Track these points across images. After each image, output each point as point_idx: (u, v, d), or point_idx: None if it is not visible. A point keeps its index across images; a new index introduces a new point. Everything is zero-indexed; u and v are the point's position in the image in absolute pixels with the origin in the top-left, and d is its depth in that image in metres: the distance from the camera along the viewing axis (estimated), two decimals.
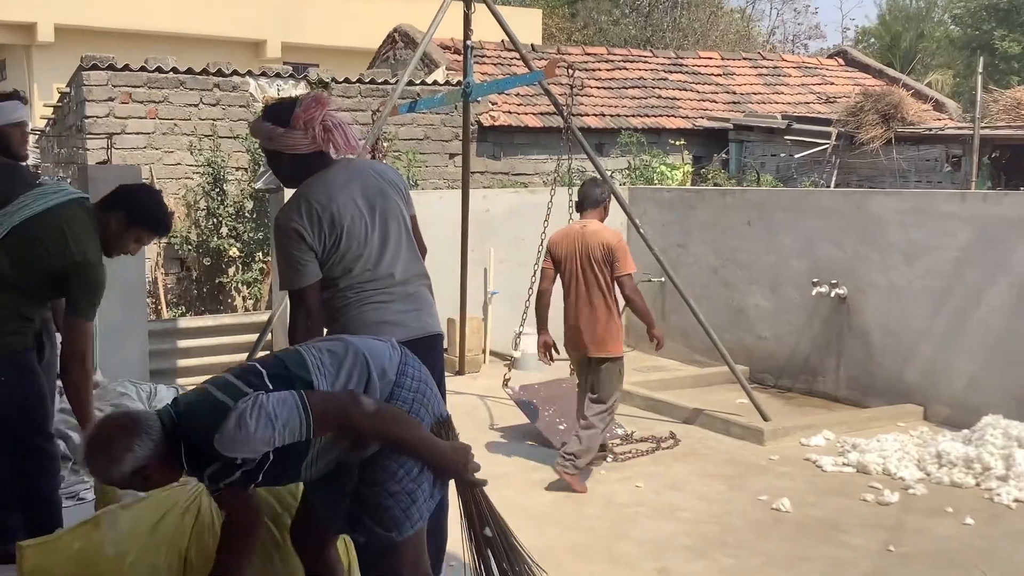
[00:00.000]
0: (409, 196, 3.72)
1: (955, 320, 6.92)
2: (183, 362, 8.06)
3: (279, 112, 3.47)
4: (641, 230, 7.25)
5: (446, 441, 2.98)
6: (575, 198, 6.01)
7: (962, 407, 6.74)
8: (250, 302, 10.14)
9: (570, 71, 7.02)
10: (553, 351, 5.86)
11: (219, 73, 10.79)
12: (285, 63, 14.92)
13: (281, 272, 3.54)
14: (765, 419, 6.77)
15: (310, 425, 2.74)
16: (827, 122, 12.59)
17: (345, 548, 3.57)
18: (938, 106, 15.69)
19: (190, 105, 10.62)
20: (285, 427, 2.71)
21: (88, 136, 10.14)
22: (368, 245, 3.48)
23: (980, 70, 11.93)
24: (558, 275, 5.80)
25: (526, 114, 12.66)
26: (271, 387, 2.78)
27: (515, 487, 5.60)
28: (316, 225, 3.40)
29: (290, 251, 3.42)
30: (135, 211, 3.96)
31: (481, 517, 3.06)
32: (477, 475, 3.02)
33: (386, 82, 11.68)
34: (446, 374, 3.94)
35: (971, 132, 10.97)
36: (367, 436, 2.84)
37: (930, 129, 12.06)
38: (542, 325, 5.88)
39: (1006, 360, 6.60)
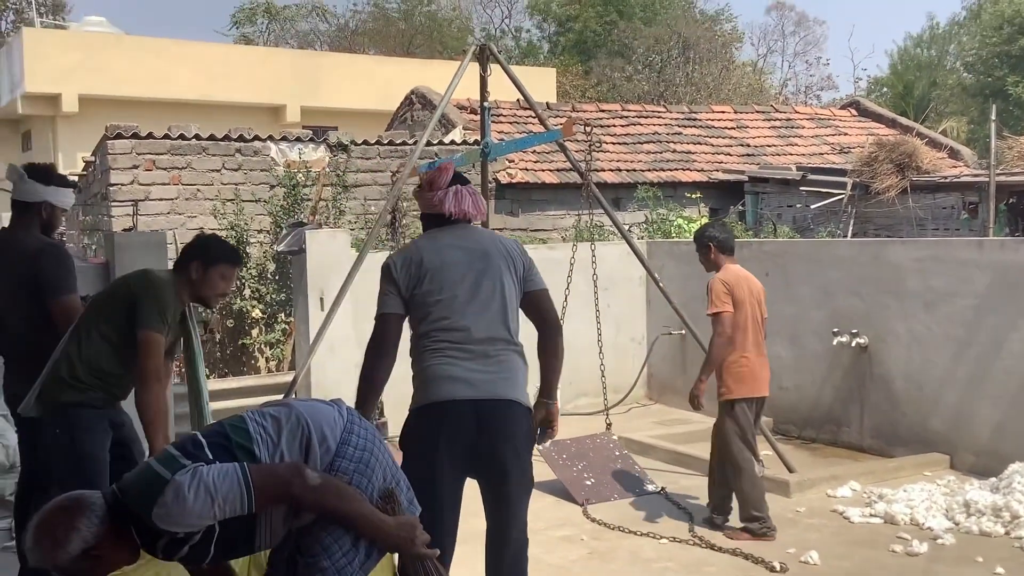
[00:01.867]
0: (531, 270, 3.82)
1: (977, 367, 6.91)
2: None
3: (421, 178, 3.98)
4: (660, 284, 7.30)
5: (390, 516, 2.89)
6: (597, 252, 6.06)
7: (988, 455, 6.70)
8: (273, 363, 10.22)
9: (587, 129, 7.14)
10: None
11: (240, 139, 11.00)
12: (304, 127, 15.20)
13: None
14: (791, 471, 6.74)
15: (251, 499, 2.69)
16: (842, 172, 12.66)
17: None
18: (953, 153, 15.75)
19: (212, 170, 10.81)
20: (226, 501, 2.67)
21: (113, 203, 10.32)
22: (450, 293, 3.64)
23: (993, 117, 11.97)
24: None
25: (543, 171, 12.81)
26: (211, 457, 2.75)
27: (540, 543, 5.58)
28: (405, 265, 3.69)
29: (381, 282, 3.74)
30: (207, 254, 4.21)
31: None
32: (426, 547, 2.94)
33: (404, 143, 11.86)
34: None
35: (987, 179, 11.00)
36: (309, 509, 2.81)
37: (945, 177, 12.11)
38: (712, 370, 5.74)
39: None
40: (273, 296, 10.30)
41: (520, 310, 3.78)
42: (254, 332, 10.28)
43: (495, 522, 3.78)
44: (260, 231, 10.65)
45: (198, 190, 10.72)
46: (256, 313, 10.23)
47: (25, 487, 4.45)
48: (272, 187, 10.90)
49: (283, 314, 10.19)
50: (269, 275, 10.46)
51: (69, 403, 4.05)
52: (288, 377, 8.32)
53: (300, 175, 10.77)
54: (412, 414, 3.59)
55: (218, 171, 10.85)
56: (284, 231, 8.91)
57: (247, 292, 10.29)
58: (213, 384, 8.73)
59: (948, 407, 7.08)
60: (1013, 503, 5.61)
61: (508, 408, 3.61)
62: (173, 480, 2.66)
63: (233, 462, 2.74)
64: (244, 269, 10.31)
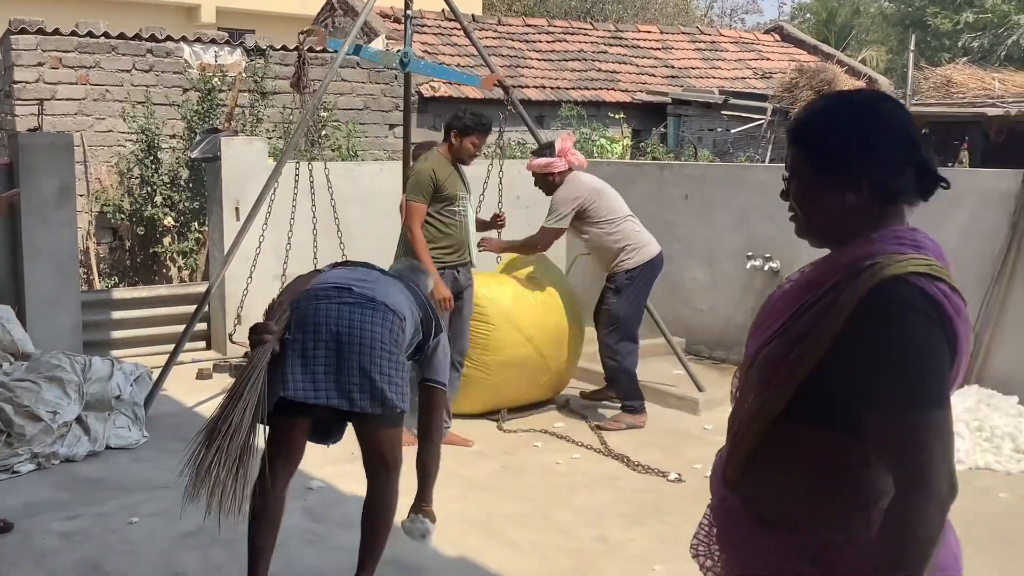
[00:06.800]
0: None
1: None
2: (117, 334, 7.94)
3: (542, 150, 6.58)
4: None
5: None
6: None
7: None
8: (185, 273, 10.01)
9: (506, 93, 7.30)
10: None
11: (152, 38, 10.56)
12: (220, 28, 14.65)
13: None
14: (700, 389, 6.91)
15: None
16: (763, 97, 12.77)
17: None
18: (871, 82, 15.97)
19: (122, 71, 10.38)
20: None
21: (17, 102, 9.87)
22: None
23: (912, 47, 12.18)
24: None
25: (466, 85, 12.61)
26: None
27: (455, 457, 5.65)
28: (588, 192, 6.38)
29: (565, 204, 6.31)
30: (463, 125, 5.89)
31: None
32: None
33: (324, 50, 11.53)
34: None
35: None
36: None
37: None
38: None
39: None
40: (186, 204, 10.04)
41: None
42: (166, 240, 10.03)
43: None
44: (173, 136, 10.31)
45: (107, 91, 10.29)
46: (168, 221, 9.97)
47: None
48: (185, 91, 10.52)
49: (196, 223, 9.96)
50: (182, 182, 10.17)
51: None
52: (201, 287, 8.16)
53: (215, 79, 10.41)
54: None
55: (128, 72, 10.41)
56: (198, 137, 8.63)
57: (158, 199, 10.00)
58: (124, 292, 8.52)
59: None
60: None
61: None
62: None
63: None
64: (155, 175, 10.01)
